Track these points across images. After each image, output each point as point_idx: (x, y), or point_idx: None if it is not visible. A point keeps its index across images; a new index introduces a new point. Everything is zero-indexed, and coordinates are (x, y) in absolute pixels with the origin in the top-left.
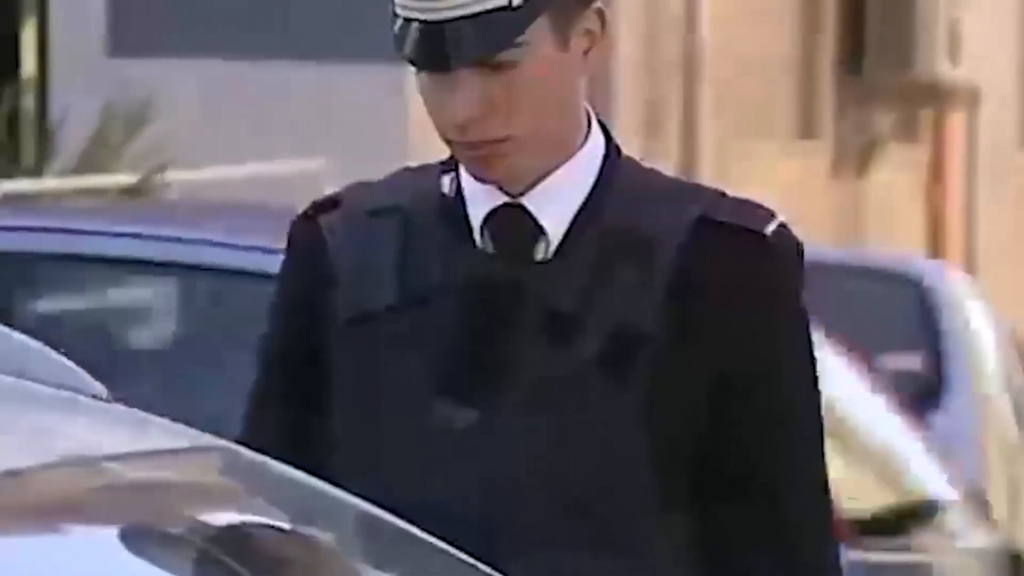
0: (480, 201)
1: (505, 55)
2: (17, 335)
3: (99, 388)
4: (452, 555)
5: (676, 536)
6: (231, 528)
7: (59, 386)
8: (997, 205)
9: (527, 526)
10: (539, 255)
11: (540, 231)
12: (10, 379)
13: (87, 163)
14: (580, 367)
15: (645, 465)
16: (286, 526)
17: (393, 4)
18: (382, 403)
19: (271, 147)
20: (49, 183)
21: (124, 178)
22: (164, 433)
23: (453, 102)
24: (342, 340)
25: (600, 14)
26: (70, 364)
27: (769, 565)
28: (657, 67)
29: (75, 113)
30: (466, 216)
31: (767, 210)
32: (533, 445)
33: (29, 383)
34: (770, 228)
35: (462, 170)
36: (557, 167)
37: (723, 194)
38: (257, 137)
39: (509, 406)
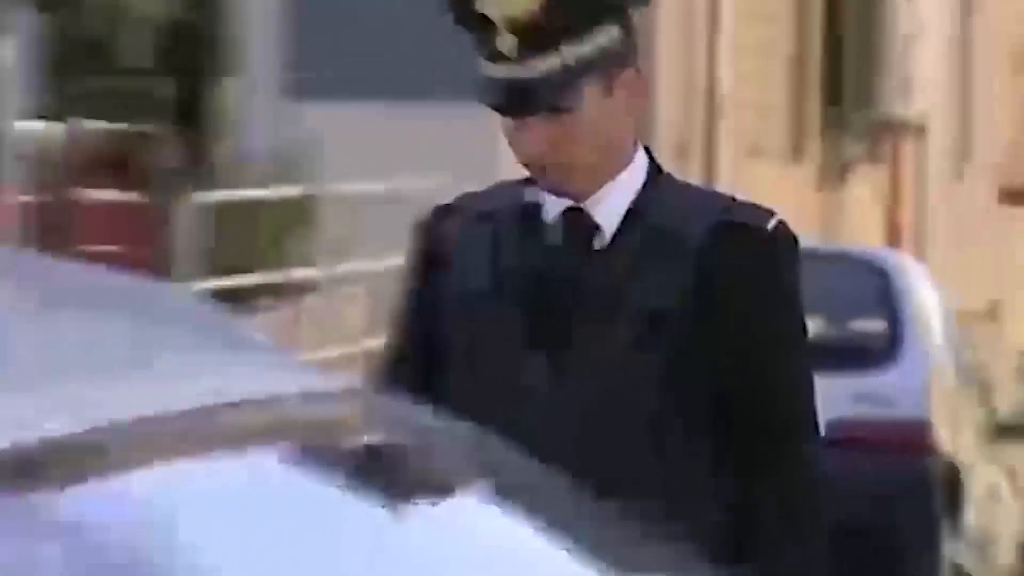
0: (552, 206)
1: (562, 105)
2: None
3: (268, 341)
4: (547, 472)
5: (700, 471)
6: (376, 449)
7: (236, 339)
8: (943, 208)
9: (586, 460)
10: (596, 246)
11: (596, 228)
12: (198, 332)
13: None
14: (623, 333)
15: (673, 414)
16: (421, 447)
17: (480, 65)
18: (480, 364)
19: (411, 164)
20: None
21: (291, 189)
22: (321, 378)
23: (525, 140)
24: (452, 314)
25: (637, 70)
26: (244, 323)
27: (770, 479)
28: (686, 104)
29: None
30: (542, 218)
31: (768, 211)
32: (586, 397)
33: (213, 336)
34: (771, 224)
35: (539, 184)
36: (609, 180)
37: (735, 199)
38: (394, 157)
39: (571, 365)
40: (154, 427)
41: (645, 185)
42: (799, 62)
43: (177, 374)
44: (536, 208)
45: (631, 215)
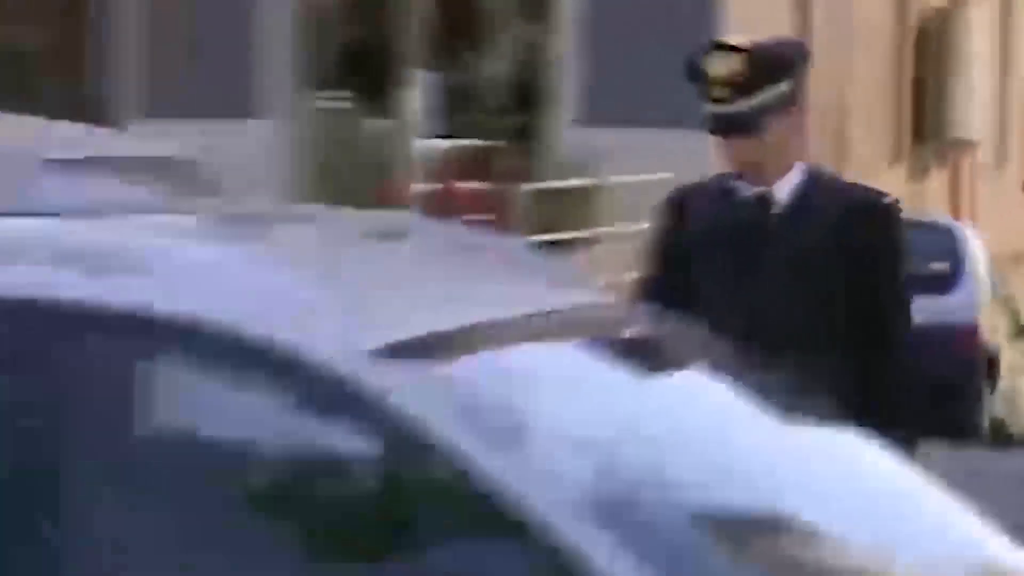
0: (745, 189)
1: (753, 132)
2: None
3: (573, 267)
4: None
5: (840, 345)
6: (641, 337)
7: (556, 271)
8: (986, 193)
9: (785, 347)
10: (773, 212)
11: (774, 202)
12: (534, 265)
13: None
14: (788, 261)
15: (822, 317)
16: (666, 336)
17: (703, 107)
18: (704, 283)
19: (655, 167)
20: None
21: (584, 181)
22: (606, 295)
23: (730, 153)
24: (692, 257)
25: (800, 107)
26: (559, 261)
27: (886, 366)
28: (822, 123)
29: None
30: (739, 195)
31: (884, 193)
32: (774, 302)
33: (542, 268)
34: (887, 200)
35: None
36: (783, 174)
37: (863, 185)
38: (645, 162)
39: (763, 284)
40: (514, 322)
41: (806, 176)
42: (897, 97)
43: (524, 291)
44: (735, 190)
45: (797, 193)
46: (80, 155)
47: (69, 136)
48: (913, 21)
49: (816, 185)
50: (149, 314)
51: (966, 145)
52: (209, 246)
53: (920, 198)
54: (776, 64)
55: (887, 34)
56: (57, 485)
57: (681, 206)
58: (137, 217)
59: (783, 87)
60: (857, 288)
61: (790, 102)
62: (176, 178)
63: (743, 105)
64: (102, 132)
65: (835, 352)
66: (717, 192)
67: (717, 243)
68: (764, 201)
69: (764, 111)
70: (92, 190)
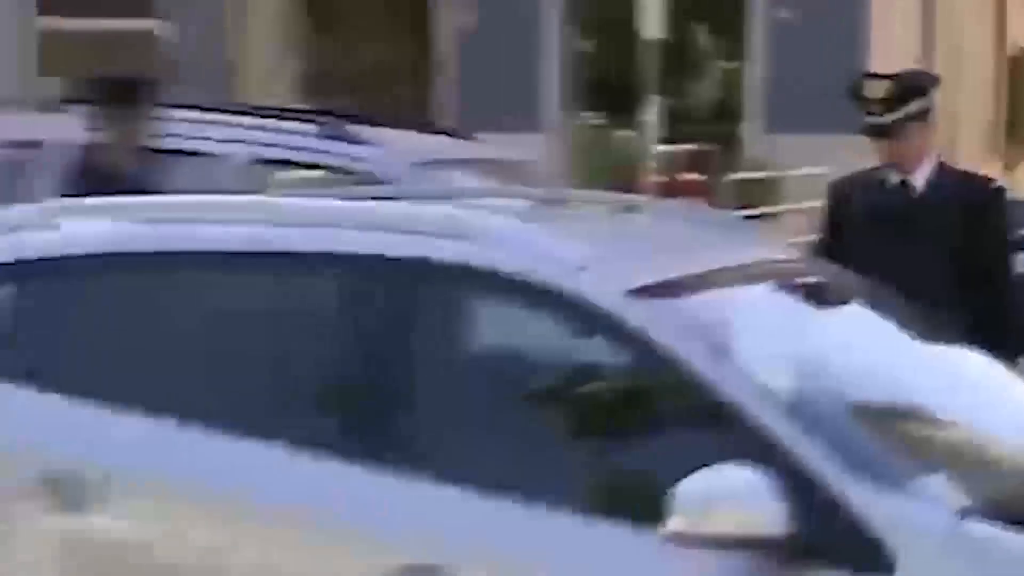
0: (893, 177)
1: (900, 136)
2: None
3: (764, 232)
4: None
5: (961, 288)
6: (817, 283)
7: (754, 235)
8: None
9: (913, 287)
10: (913, 194)
11: (914, 186)
12: (739, 231)
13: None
14: (928, 231)
15: (951, 265)
16: (836, 283)
17: (862, 116)
18: (862, 247)
19: (823, 162)
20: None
21: (770, 173)
22: (792, 252)
23: (883, 151)
24: (851, 226)
25: (933, 116)
26: (756, 228)
27: (994, 303)
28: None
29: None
30: (888, 181)
31: (994, 178)
32: (915, 259)
33: (746, 233)
34: (996, 184)
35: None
36: (920, 165)
37: (978, 173)
38: (815, 157)
39: (907, 246)
40: (727, 270)
41: (936, 167)
42: (996, 108)
43: (733, 248)
44: (885, 178)
45: (929, 181)
46: (445, 158)
47: (436, 144)
48: (1007, 52)
49: (943, 173)
50: (470, 266)
51: None
52: (516, 219)
53: (1012, 183)
54: (914, 88)
55: (988, 61)
56: (409, 386)
57: (844, 189)
58: (473, 200)
59: (919, 104)
60: (974, 247)
61: (924, 115)
62: (507, 174)
63: (890, 117)
64: (458, 141)
65: (957, 293)
66: (871, 180)
67: (872, 217)
68: (906, 186)
69: (905, 121)
70: (448, 181)
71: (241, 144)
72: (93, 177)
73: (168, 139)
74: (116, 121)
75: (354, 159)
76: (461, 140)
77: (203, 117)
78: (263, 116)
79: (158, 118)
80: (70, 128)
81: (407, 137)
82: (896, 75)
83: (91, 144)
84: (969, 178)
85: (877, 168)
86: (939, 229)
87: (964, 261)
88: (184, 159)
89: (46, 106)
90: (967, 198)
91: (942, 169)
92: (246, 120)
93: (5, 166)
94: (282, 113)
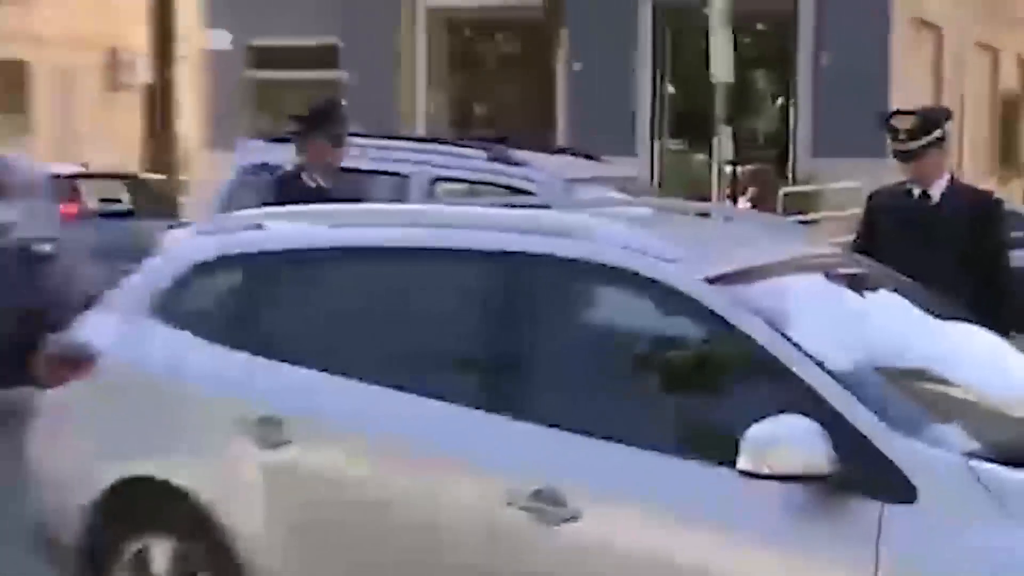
0: (916, 189)
1: (922, 158)
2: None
3: (812, 234)
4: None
5: (970, 279)
6: (857, 273)
7: (803, 235)
8: None
9: (931, 277)
10: (931, 203)
11: (931, 197)
12: (793, 233)
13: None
14: (943, 235)
15: (962, 262)
16: (872, 274)
17: (890, 143)
18: (891, 247)
19: (856, 177)
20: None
21: (815, 187)
22: (834, 250)
23: (909, 170)
24: (883, 229)
25: (947, 142)
26: (803, 231)
27: (994, 290)
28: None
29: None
30: (912, 193)
31: (993, 192)
32: (933, 256)
33: (796, 233)
34: (996, 196)
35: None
36: (937, 180)
37: (978, 188)
38: (852, 175)
39: (927, 245)
40: (784, 262)
41: (950, 182)
42: (991, 136)
43: (788, 245)
44: (909, 191)
45: (944, 193)
46: (588, 176)
47: (579, 165)
48: (1000, 95)
49: (955, 188)
50: (587, 260)
51: None
52: (623, 224)
53: (1006, 196)
54: (933, 121)
55: (985, 100)
56: (536, 354)
57: (879, 199)
58: (600, 208)
59: (937, 134)
60: (979, 246)
61: (940, 141)
62: (628, 187)
63: (914, 145)
64: (595, 162)
65: (965, 281)
66: (899, 192)
67: (900, 222)
68: (926, 197)
69: (927, 147)
70: (586, 194)
71: (426, 166)
72: (297, 191)
73: (369, 162)
74: (314, 146)
75: (517, 178)
76: (597, 162)
77: (395, 144)
78: (442, 144)
79: (347, 144)
80: (286, 153)
81: (557, 160)
82: (918, 111)
83: (298, 165)
84: (975, 192)
85: (903, 183)
86: (951, 231)
87: (971, 257)
88: (381, 178)
89: (271, 137)
90: (974, 207)
91: (954, 184)
92: (428, 147)
93: (245, 183)
94: (457, 142)
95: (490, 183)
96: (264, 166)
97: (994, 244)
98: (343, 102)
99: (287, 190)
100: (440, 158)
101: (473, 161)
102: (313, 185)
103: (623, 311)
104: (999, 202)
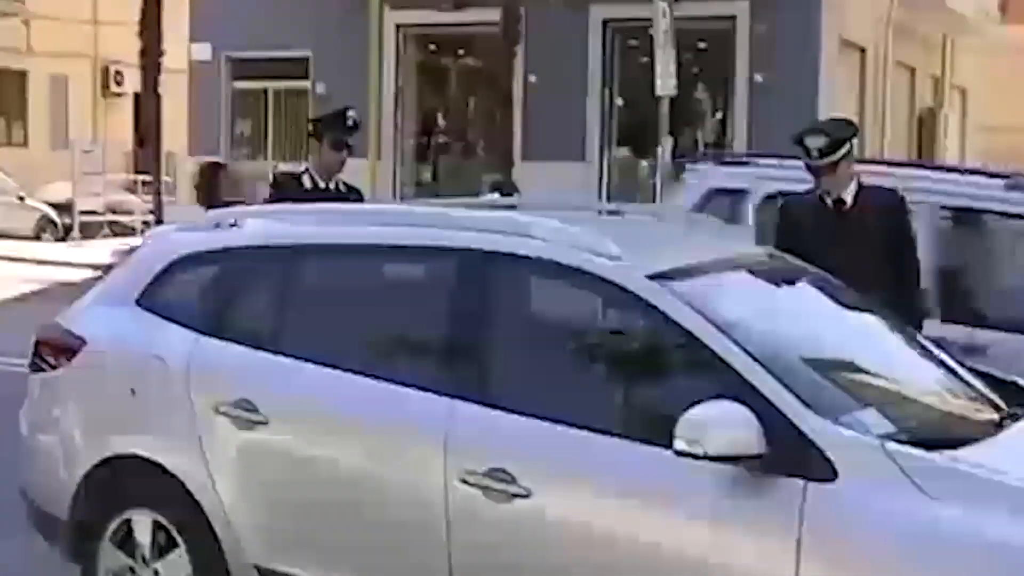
0: (828, 198)
1: (832, 171)
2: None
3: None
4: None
5: (881, 276)
6: (783, 269)
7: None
8: None
9: (855, 277)
10: (844, 209)
11: (845, 203)
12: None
13: None
14: (857, 236)
15: (872, 261)
16: (791, 269)
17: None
18: (805, 247)
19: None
20: None
21: None
22: (760, 250)
23: (822, 182)
24: (800, 232)
25: (853, 154)
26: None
27: (909, 288)
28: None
29: None
30: (825, 201)
31: (897, 190)
32: (846, 255)
33: (741, 235)
34: (901, 194)
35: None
36: (847, 189)
37: (887, 187)
38: None
39: (841, 246)
40: (718, 261)
41: (858, 187)
42: (908, 147)
43: (718, 245)
44: (823, 197)
45: (855, 196)
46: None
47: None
48: (916, 110)
49: (863, 189)
50: (539, 257)
51: None
52: (575, 225)
53: None
54: (841, 139)
55: (903, 116)
56: (488, 341)
57: (792, 208)
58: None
59: (845, 149)
60: (888, 244)
61: (848, 155)
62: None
63: (826, 161)
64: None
65: (888, 278)
66: (812, 200)
67: (818, 228)
68: (840, 203)
69: (836, 161)
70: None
71: (936, 195)
72: (294, 190)
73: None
74: (319, 149)
75: None
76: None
77: (912, 173)
78: (950, 171)
79: (347, 152)
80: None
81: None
82: (827, 131)
83: (304, 169)
84: (881, 191)
85: (812, 191)
86: (866, 231)
87: (883, 254)
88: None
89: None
90: (882, 205)
91: (861, 187)
92: (940, 174)
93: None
94: (969, 169)
95: (1002, 212)
96: (722, 191)
97: (904, 236)
98: (351, 111)
99: (285, 189)
100: (949, 186)
101: (987, 190)
102: (310, 185)
103: (572, 305)
104: (903, 200)
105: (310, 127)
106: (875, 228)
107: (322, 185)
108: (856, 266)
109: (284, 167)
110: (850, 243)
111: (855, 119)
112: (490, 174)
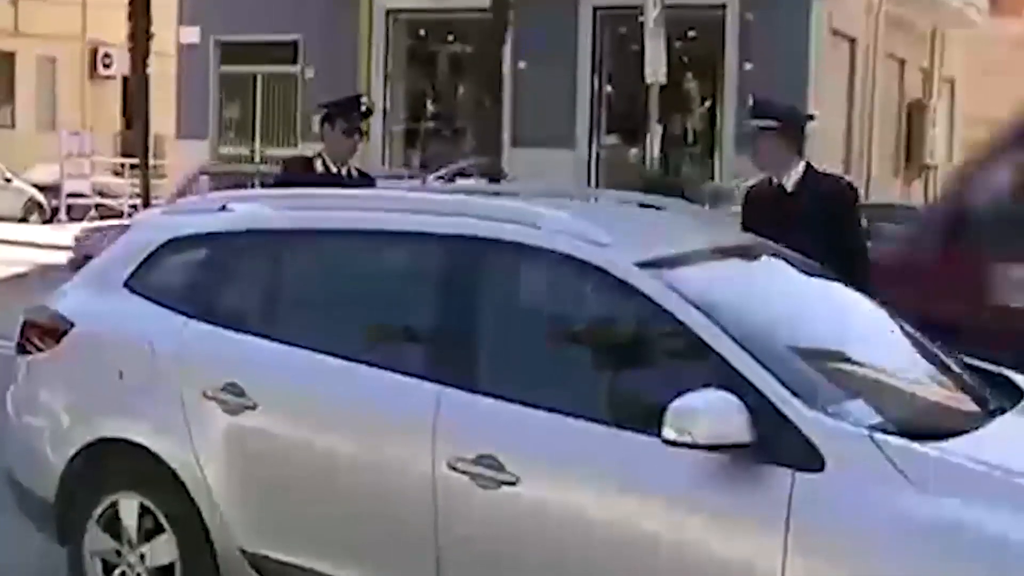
0: (776, 180)
1: (757, 139)
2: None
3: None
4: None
5: (830, 255)
6: (749, 246)
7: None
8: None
9: (802, 249)
10: (787, 193)
11: (786, 188)
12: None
13: None
14: (801, 217)
15: (818, 241)
16: (756, 245)
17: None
18: (765, 229)
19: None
20: None
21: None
22: (733, 231)
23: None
24: (756, 215)
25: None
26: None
27: (858, 267)
28: (857, 155)
29: None
30: (774, 183)
31: (845, 176)
32: (794, 235)
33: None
34: (847, 180)
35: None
36: (790, 170)
37: (833, 173)
38: None
39: (792, 226)
40: (704, 249)
41: (804, 172)
42: (896, 141)
43: (706, 234)
44: (771, 180)
45: (797, 182)
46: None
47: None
48: (905, 101)
49: (810, 176)
50: (530, 244)
51: (931, 167)
52: (566, 212)
53: (908, 196)
54: (764, 108)
55: (892, 107)
56: (480, 328)
57: (752, 193)
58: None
59: (769, 123)
60: (836, 225)
61: (773, 132)
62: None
63: (749, 125)
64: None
65: (827, 257)
66: (764, 184)
67: (762, 211)
68: (780, 188)
69: (759, 132)
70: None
71: None
72: (307, 174)
73: None
74: (330, 135)
75: None
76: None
77: None
78: None
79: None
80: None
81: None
82: (768, 101)
83: (317, 153)
84: (830, 179)
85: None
86: (808, 219)
87: (829, 235)
88: None
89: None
90: (829, 194)
91: (808, 173)
92: None
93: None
94: None
95: None
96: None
97: (852, 224)
98: (363, 98)
99: (299, 173)
100: None
101: None
102: (322, 170)
103: (562, 292)
104: (850, 186)
105: (323, 112)
106: (814, 214)
107: (334, 170)
108: (800, 245)
109: (306, 153)
110: (791, 230)
111: (844, 109)
112: (468, 159)
